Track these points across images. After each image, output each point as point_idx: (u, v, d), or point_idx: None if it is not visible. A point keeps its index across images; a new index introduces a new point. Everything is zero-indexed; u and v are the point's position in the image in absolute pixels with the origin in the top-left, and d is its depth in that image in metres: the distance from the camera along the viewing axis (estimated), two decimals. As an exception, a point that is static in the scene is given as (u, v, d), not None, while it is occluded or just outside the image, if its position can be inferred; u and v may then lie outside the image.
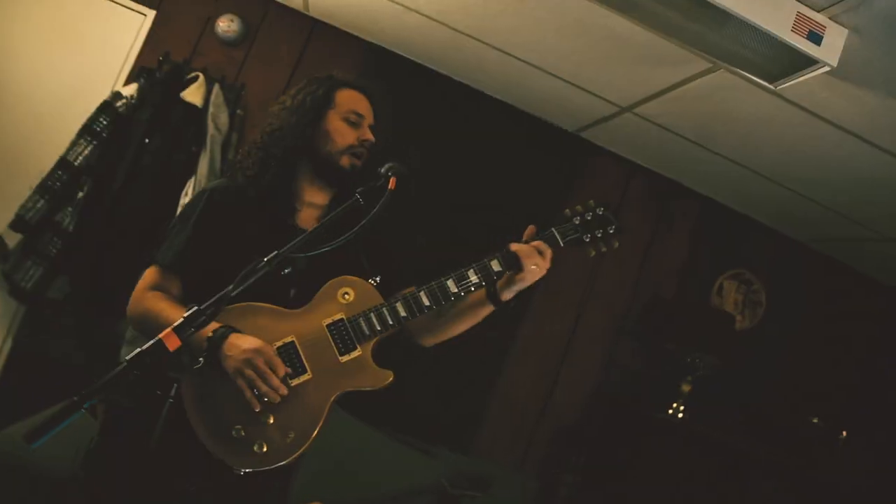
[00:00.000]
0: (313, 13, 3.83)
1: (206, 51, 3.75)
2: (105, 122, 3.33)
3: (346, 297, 1.88)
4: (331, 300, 1.87)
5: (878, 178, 3.18)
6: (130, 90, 3.43)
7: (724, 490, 3.67)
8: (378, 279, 1.94)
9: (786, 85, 2.50)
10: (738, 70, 2.55)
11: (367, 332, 1.85)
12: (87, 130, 3.32)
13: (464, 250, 3.84)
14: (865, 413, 4.20)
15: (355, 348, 1.85)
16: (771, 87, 2.55)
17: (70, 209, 3.24)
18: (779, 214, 4.16)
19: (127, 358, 1.46)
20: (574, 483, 3.77)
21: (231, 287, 1.57)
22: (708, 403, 3.96)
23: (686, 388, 3.85)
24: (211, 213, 1.94)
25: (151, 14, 3.70)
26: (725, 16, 2.18)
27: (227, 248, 1.88)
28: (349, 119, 2.02)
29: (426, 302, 1.87)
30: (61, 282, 3.24)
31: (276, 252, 1.63)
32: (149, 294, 1.88)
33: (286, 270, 1.73)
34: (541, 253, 1.89)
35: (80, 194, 3.27)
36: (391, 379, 1.86)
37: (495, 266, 1.90)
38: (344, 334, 1.85)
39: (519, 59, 3.39)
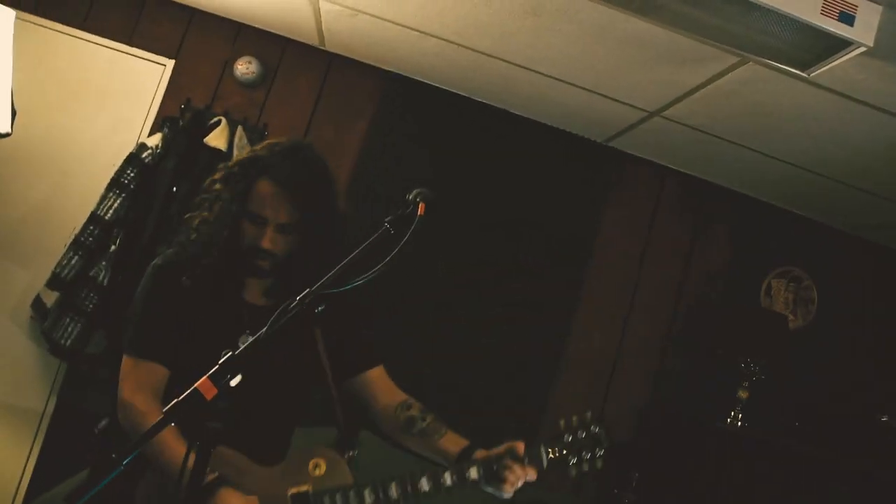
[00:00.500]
0: (330, 48, 3.83)
1: (227, 94, 3.77)
2: (132, 174, 3.35)
3: (317, 469, 1.84)
4: (301, 468, 1.84)
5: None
6: (155, 140, 3.44)
7: (797, 499, 3.52)
8: (355, 453, 1.91)
9: (819, 71, 2.41)
10: (768, 61, 2.45)
11: None
12: (115, 184, 3.34)
13: (504, 272, 3.84)
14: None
15: None
16: (803, 74, 2.46)
17: (104, 263, 3.25)
18: (822, 206, 4.02)
19: (164, 410, 1.43)
20: (635, 501, 3.64)
21: (264, 330, 1.53)
22: (766, 409, 3.81)
23: (743, 394, 3.71)
24: (159, 293, 1.93)
25: (170, 63, 3.73)
26: (749, 5, 2.10)
27: (181, 325, 1.87)
28: (254, 221, 1.93)
29: (395, 494, 1.82)
30: (99, 336, 3.24)
31: (307, 290, 1.60)
32: (137, 399, 1.83)
33: (320, 308, 1.69)
34: (526, 476, 1.86)
35: (113, 248, 3.27)
36: None
37: (473, 474, 1.86)
38: None
39: (542, 74, 3.34)
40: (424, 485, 1.83)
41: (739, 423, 3.66)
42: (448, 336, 3.78)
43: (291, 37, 3.83)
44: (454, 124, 3.95)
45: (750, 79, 2.79)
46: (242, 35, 3.82)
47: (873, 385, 4.08)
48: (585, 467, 1.92)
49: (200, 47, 3.79)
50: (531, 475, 1.86)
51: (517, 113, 3.97)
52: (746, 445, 3.58)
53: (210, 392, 1.46)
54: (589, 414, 1.94)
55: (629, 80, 3.15)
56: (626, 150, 4.06)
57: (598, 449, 1.91)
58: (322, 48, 3.86)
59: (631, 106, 3.42)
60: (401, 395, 2.08)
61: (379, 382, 2.10)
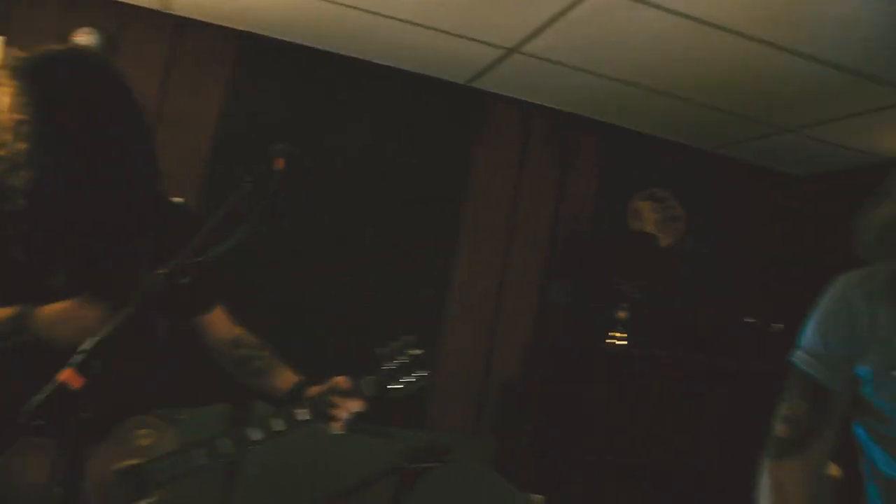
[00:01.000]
0: (177, 10, 3.64)
1: (68, 70, 3.52)
2: (-28, 165, 3.10)
3: (144, 440, 1.77)
4: (126, 443, 1.76)
5: (764, 72, 3.21)
6: (-7, 125, 3.19)
7: (681, 405, 3.73)
8: (181, 416, 1.86)
9: (662, -6, 2.48)
10: (612, -11, 2.52)
11: (160, 478, 1.75)
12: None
13: (369, 234, 3.81)
14: (796, 303, 4.30)
15: (148, 495, 1.74)
16: (648, -1, 2.53)
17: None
18: (683, 128, 4.20)
19: (25, 408, 1.34)
20: (532, 432, 3.77)
21: (129, 307, 1.46)
22: (647, 326, 4.00)
23: (622, 314, 3.87)
24: None
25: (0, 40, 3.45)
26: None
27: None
28: None
29: (227, 450, 1.78)
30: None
31: (174, 261, 1.53)
32: None
33: (186, 279, 1.62)
34: (352, 408, 1.85)
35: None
36: None
37: (302, 416, 1.82)
38: (137, 480, 1.74)
39: (395, 19, 3.30)
40: (256, 434, 1.79)
41: (622, 343, 3.82)
42: (329, 289, 3.78)
43: (132, 2, 3.60)
44: (315, 80, 3.86)
45: (600, 8, 2.84)
46: (76, 4, 3.56)
47: (739, 290, 4.35)
48: (411, 389, 1.92)
49: (31, 20, 3.51)
50: (357, 407, 1.86)
51: (378, 62, 3.91)
52: (630, 362, 3.76)
53: (77, 382, 1.38)
54: (407, 338, 1.93)
55: (483, 17, 3.14)
56: (491, 90, 4.08)
57: (417, 371, 1.91)
58: (168, 12, 3.65)
59: (488, 44, 3.42)
60: (234, 331, 2.00)
61: (214, 321, 2.00)
